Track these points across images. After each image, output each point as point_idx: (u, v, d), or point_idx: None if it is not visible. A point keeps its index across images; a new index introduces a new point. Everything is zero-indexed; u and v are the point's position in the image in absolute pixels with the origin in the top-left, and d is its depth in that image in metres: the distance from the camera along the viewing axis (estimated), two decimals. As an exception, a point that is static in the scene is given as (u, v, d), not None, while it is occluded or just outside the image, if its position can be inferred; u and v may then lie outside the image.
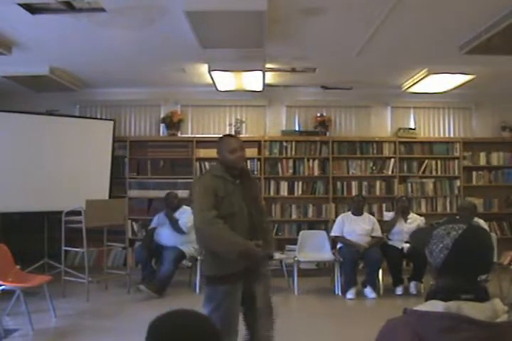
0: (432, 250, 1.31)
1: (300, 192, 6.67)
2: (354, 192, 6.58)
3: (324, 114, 6.78)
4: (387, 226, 5.68)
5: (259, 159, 6.63)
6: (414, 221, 5.66)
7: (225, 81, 5.71)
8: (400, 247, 5.41)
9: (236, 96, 6.58)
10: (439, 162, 6.80)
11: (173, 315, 1.23)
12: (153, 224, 5.78)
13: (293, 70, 5.70)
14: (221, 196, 2.72)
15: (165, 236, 5.55)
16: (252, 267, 2.76)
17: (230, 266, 2.72)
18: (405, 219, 5.68)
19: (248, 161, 6.61)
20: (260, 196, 3.04)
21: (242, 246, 2.64)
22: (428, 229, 1.39)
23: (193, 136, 6.76)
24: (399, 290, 5.32)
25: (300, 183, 6.69)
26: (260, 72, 5.35)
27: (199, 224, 2.73)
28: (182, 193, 6.21)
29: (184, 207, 5.77)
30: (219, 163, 2.92)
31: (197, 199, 2.75)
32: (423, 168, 6.77)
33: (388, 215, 5.87)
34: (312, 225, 6.60)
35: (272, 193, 6.64)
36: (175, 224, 5.49)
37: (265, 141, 6.68)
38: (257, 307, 2.86)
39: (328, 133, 6.78)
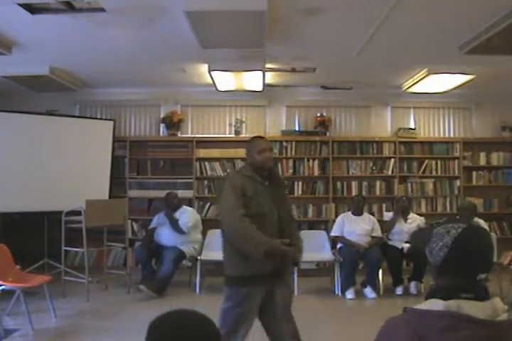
0: (432, 248, 1.31)
1: (300, 192, 6.67)
2: (354, 192, 6.58)
3: (324, 114, 6.78)
4: (387, 226, 5.68)
5: (259, 159, 6.61)
6: (414, 221, 5.67)
7: (225, 81, 5.71)
8: (400, 247, 5.41)
9: (236, 96, 6.58)
10: (439, 162, 6.79)
11: (173, 315, 1.23)
12: (153, 224, 5.78)
13: (293, 70, 5.70)
14: (250, 196, 2.71)
15: (165, 236, 5.55)
16: (279, 268, 2.68)
17: (254, 267, 2.67)
18: (405, 219, 5.68)
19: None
20: (289, 201, 2.95)
21: (267, 244, 2.56)
22: (428, 228, 1.40)
23: (193, 136, 6.76)
24: (399, 290, 5.32)
25: (300, 183, 6.68)
26: (260, 72, 5.35)
27: (227, 222, 2.70)
28: (182, 193, 6.23)
29: (184, 207, 5.78)
30: (248, 164, 2.91)
31: (225, 197, 2.72)
32: (423, 168, 6.77)
33: (388, 215, 5.87)
34: (312, 225, 6.60)
35: (271, 193, 6.63)
36: (175, 224, 5.49)
37: (265, 141, 6.66)
38: (277, 312, 2.81)
39: (328, 133, 6.78)
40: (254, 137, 3.02)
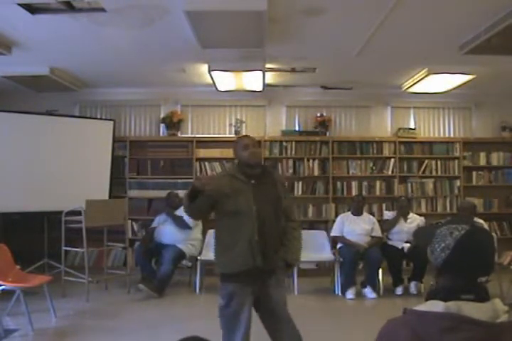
0: (434, 249, 1.31)
1: (300, 192, 6.67)
2: (354, 192, 6.58)
3: (324, 114, 6.78)
4: (387, 225, 5.68)
5: (259, 159, 6.61)
6: (414, 221, 5.67)
7: (225, 81, 5.71)
8: (400, 247, 5.41)
9: (236, 96, 6.57)
10: (439, 162, 6.79)
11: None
12: (154, 224, 5.80)
13: (293, 70, 5.70)
14: (226, 193, 2.77)
15: (166, 233, 5.58)
16: (260, 265, 2.73)
17: (234, 265, 2.76)
18: (405, 219, 5.68)
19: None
20: (285, 199, 2.95)
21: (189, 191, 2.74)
22: (431, 227, 1.39)
23: (193, 136, 6.76)
24: (399, 290, 5.32)
25: (300, 183, 6.68)
26: (260, 72, 5.35)
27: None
28: (182, 193, 6.20)
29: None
30: (235, 163, 3.01)
31: None
32: (423, 168, 6.77)
33: (388, 214, 5.87)
34: (312, 225, 6.60)
35: (271, 193, 6.63)
36: (180, 221, 5.50)
37: (265, 141, 6.68)
38: (277, 314, 2.85)
39: (328, 133, 6.78)
40: (238, 137, 3.21)
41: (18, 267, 4.33)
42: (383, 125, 6.94)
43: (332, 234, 5.73)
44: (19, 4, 3.54)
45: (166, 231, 5.59)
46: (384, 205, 6.68)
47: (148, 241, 5.68)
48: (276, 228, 2.85)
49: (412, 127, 6.89)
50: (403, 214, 5.70)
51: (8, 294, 4.15)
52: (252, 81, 5.70)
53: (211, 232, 5.79)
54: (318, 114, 6.76)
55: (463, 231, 1.28)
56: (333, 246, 5.81)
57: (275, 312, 2.85)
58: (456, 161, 6.77)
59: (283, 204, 2.90)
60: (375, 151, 6.76)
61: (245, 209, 2.76)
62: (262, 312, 2.88)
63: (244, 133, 6.70)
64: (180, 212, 5.63)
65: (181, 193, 6.02)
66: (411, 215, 5.75)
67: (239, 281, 2.76)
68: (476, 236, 1.29)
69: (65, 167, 5.99)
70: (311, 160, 6.70)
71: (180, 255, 5.42)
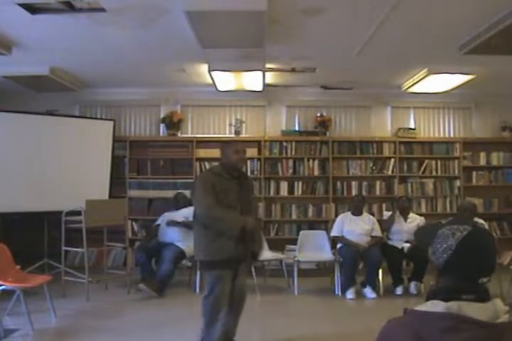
0: (436, 250, 1.31)
1: (300, 192, 6.67)
2: (354, 192, 6.58)
3: (324, 114, 6.78)
4: (385, 224, 5.68)
5: (259, 159, 6.63)
6: (414, 220, 5.66)
7: (225, 81, 5.71)
8: (400, 247, 5.41)
9: (236, 96, 6.57)
10: (439, 162, 6.79)
11: None
12: (158, 222, 5.82)
13: (293, 70, 5.70)
14: (218, 190, 3.14)
15: (167, 232, 5.60)
16: (245, 252, 3.19)
17: (222, 252, 3.13)
18: (405, 219, 5.68)
19: (248, 161, 6.62)
20: (254, 197, 3.57)
21: (241, 220, 3.07)
22: (432, 227, 1.38)
23: (193, 136, 6.76)
24: (399, 290, 5.31)
25: (300, 183, 6.68)
26: (260, 72, 5.35)
27: (204, 209, 3.16)
28: (188, 193, 6.22)
29: (191, 207, 5.79)
30: (220, 164, 3.35)
31: (198, 192, 3.19)
32: (423, 168, 6.77)
33: (388, 215, 5.86)
34: (312, 225, 6.60)
35: (272, 193, 6.65)
36: (186, 224, 5.41)
37: (265, 141, 6.68)
38: (237, 292, 3.32)
39: (328, 133, 6.78)
40: (231, 141, 3.72)
41: (18, 267, 4.33)
42: (383, 125, 6.94)
43: (332, 234, 5.72)
44: (19, 4, 3.54)
45: (167, 230, 5.60)
46: (384, 205, 6.68)
47: (153, 236, 5.72)
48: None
49: (412, 127, 6.89)
50: (403, 214, 5.70)
51: (8, 294, 4.15)
52: (252, 81, 5.70)
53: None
54: (318, 114, 6.77)
55: (465, 232, 1.28)
56: (333, 246, 5.81)
57: (235, 291, 3.33)
58: (456, 161, 6.77)
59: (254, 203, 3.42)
60: (375, 151, 6.76)
61: (233, 205, 3.17)
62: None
63: (244, 134, 6.72)
64: (183, 212, 5.64)
65: (187, 193, 5.98)
66: (411, 215, 5.75)
67: (226, 266, 3.16)
68: (478, 237, 1.29)
69: (65, 167, 5.99)
70: (311, 160, 6.70)
71: (180, 254, 5.41)
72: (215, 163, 6.58)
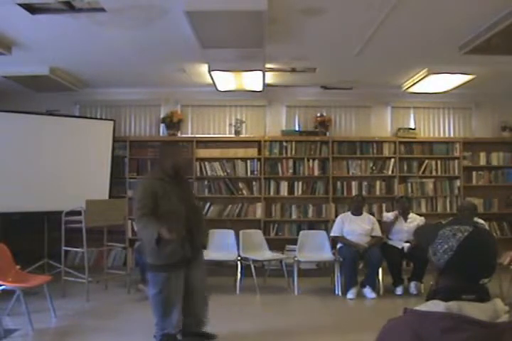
0: (436, 250, 1.30)
1: (300, 192, 6.67)
2: (354, 192, 6.58)
3: (324, 114, 6.78)
4: (388, 226, 5.66)
5: (259, 159, 6.63)
6: (414, 220, 5.66)
7: (225, 81, 5.70)
8: (400, 247, 5.41)
9: (236, 96, 6.57)
10: (439, 162, 6.79)
11: None
12: None
13: (293, 70, 5.70)
14: (160, 195, 3.27)
15: None
16: (188, 256, 3.32)
17: (169, 257, 3.26)
18: (405, 219, 5.68)
19: (248, 161, 6.63)
20: (194, 196, 3.83)
21: (155, 233, 3.11)
22: (432, 227, 1.38)
23: (193, 136, 6.76)
24: (399, 290, 5.31)
25: (300, 183, 6.68)
26: (260, 72, 5.35)
27: (136, 218, 3.35)
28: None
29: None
30: (159, 167, 3.49)
31: (137, 198, 3.36)
32: (423, 168, 6.77)
33: (387, 216, 5.84)
34: (312, 225, 6.60)
35: (271, 193, 6.65)
36: None
37: (265, 141, 6.68)
38: (196, 288, 3.39)
39: (328, 133, 6.77)
40: (167, 143, 3.88)
41: (18, 267, 4.33)
42: (383, 125, 6.94)
43: (332, 234, 5.72)
44: (19, 4, 3.54)
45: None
46: (384, 205, 6.68)
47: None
48: (197, 222, 3.46)
49: (412, 127, 6.89)
50: (403, 214, 5.70)
51: (8, 294, 4.15)
52: (252, 81, 5.70)
53: (211, 232, 5.80)
54: (318, 114, 6.77)
55: (466, 233, 1.28)
56: (333, 246, 5.80)
57: (194, 287, 3.40)
58: (456, 161, 6.77)
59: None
60: (375, 151, 6.76)
61: (176, 208, 3.29)
62: (185, 286, 3.37)
63: (244, 134, 6.72)
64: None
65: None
66: (411, 215, 5.74)
67: (171, 270, 3.26)
68: (479, 238, 1.29)
69: (65, 167, 5.99)
70: (311, 160, 6.70)
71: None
72: (215, 163, 6.71)
